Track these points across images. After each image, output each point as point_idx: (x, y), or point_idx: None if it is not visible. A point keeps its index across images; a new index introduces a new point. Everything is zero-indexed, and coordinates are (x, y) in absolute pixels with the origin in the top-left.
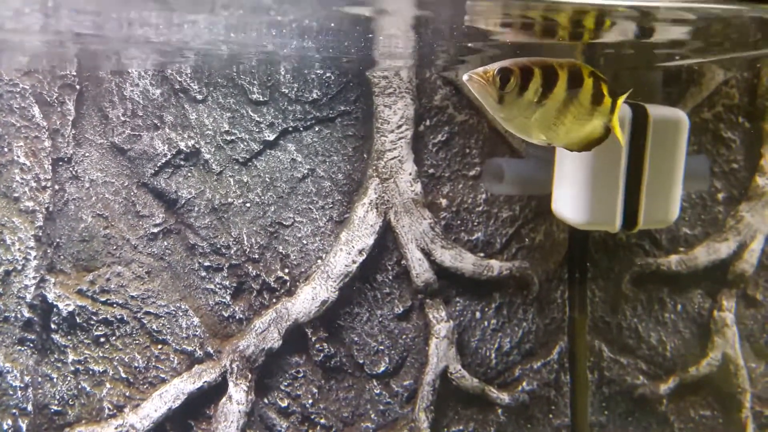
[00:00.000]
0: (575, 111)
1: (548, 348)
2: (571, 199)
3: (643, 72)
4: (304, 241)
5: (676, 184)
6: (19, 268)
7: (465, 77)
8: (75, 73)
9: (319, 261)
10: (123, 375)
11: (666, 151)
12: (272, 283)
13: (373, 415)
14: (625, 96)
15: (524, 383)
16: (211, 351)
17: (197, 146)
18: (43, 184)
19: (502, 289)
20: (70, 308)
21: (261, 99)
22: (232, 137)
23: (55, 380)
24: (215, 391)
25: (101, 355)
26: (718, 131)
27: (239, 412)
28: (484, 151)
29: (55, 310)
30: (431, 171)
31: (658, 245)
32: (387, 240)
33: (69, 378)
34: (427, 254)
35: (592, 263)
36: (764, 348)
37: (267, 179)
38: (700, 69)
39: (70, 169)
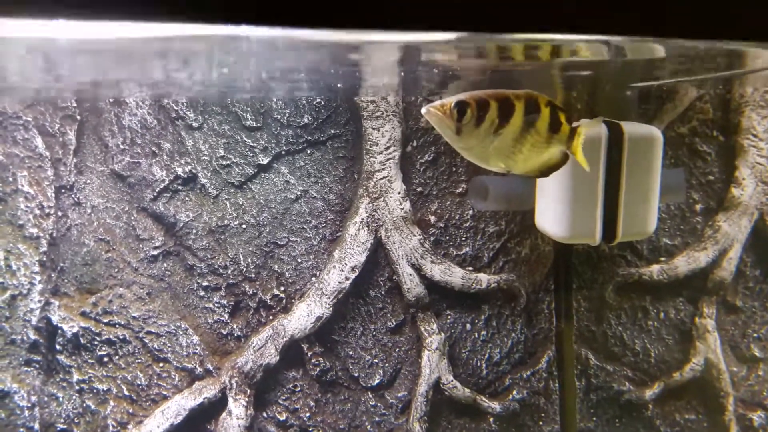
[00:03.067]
0: (532, 139)
1: (537, 357)
2: (552, 214)
3: (619, 91)
4: (299, 260)
5: (653, 197)
6: (25, 292)
7: (423, 110)
8: (75, 105)
9: (313, 278)
10: (126, 393)
11: (642, 167)
12: (268, 301)
13: (369, 427)
14: (586, 126)
15: (514, 392)
16: (211, 368)
17: (194, 171)
18: (47, 211)
19: (490, 302)
20: (74, 330)
21: (254, 125)
22: (228, 162)
23: (60, 399)
24: (215, 407)
25: (105, 374)
26: (693, 145)
27: (239, 426)
28: (469, 169)
29: (59, 331)
30: (419, 189)
31: (639, 256)
32: (378, 256)
33: (74, 397)
34: (418, 269)
35: (576, 274)
36: (745, 352)
37: (262, 201)
38: (675, 87)
39: (72, 196)
